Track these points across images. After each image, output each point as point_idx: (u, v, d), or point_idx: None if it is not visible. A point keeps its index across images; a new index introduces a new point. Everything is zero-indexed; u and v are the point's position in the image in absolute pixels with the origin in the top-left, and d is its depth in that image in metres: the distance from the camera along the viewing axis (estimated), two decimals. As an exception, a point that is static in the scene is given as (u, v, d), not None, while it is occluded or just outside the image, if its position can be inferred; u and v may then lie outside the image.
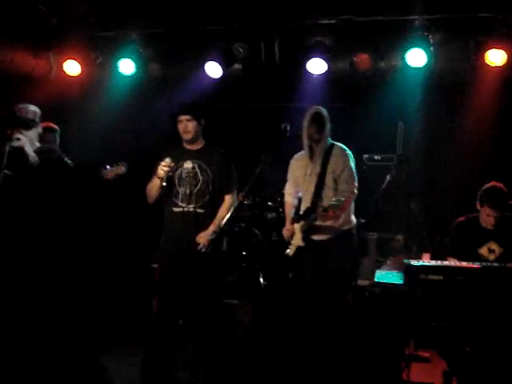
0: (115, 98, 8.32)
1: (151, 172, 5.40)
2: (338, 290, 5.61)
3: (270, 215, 8.01)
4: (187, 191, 5.31)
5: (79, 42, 7.77)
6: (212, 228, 5.25)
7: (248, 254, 7.66)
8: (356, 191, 5.59)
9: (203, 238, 5.20)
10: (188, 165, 5.36)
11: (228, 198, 5.40)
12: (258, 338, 6.17)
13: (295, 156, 5.87)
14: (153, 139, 8.21)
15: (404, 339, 5.18)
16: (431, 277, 4.81)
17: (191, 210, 5.27)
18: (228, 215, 4.98)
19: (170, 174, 5.25)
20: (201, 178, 5.32)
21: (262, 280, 7.45)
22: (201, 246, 5.18)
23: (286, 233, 5.70)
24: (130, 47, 7.77)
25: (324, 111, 5.65)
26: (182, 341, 5.57)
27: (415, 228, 7.39)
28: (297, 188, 5.80)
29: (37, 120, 5.61)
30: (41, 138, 6.77)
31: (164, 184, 5.22)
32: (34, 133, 5.57)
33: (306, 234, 5.52)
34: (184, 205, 5.29)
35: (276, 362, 5.56)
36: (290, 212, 5.83)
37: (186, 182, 5.32)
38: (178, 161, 5.31)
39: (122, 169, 5.64)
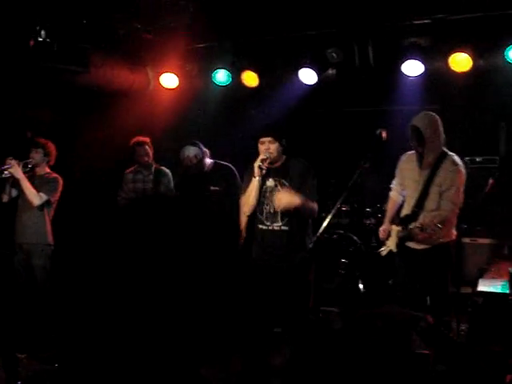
0: (212, 108, 8.45)
1: (246, 182, 5.44)
2: (434, 299, 5.47)
3: (368, 221, 7.88)
4: (271, 210, 5.31)
5: (175, 54, 7.89)
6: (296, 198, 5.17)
7: (347, 261, 7.58)
8: (458, 210, 5.35)
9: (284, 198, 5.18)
10: (270, 183, 5.35)
11: None
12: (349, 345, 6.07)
13: (407, 153, 5.63)
14: (249, 148, 8.27)
15: (510, 350, 4.96)
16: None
17: (276, 228, 5.28)
18: (324, 224, 4.94)
19: (265, 171, 5.25)
20: None
21: (361, 287, 7.36)
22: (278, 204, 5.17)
23: (381, 233, 5.64)
24: (224, 57, 7.86)
25: (423, 121, 5.33)
26: (278, 347, 5.57)
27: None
28: (402, 186, 5.68)
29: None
30: (135, 153, 7.10)
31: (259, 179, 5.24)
32: None
33: (401, 241, 5.40)
34: (269, 223, 5.32)
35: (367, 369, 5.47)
36: (391, 209, 5.76)
37: (270, 200, 5.31)
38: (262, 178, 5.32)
39: None
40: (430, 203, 5.29)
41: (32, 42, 5.90)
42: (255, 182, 5.27)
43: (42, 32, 5.89)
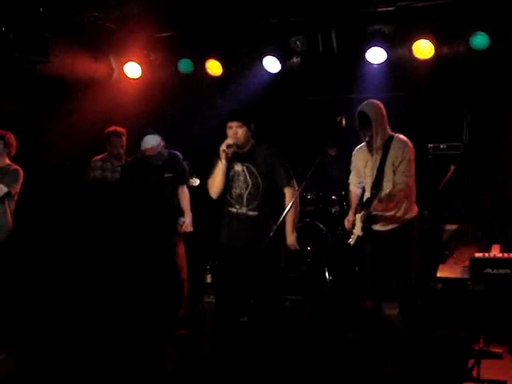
0: (176, 97, 8.38)
1: (211, 168, 5.40)
2: (400, 280, 5.56)
3: (333, 209, 7.91)
4: (238, 194, 5.32)
5: (138, 43, 7.81)
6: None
7: (313, 248, 7.58)
8: (413, 183, 5.53)
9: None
10: (238, 167, 5.34)
11: (287, 191, 5.32)
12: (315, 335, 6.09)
13: (357, 147, 5.83)
14: (214, 137, 8.21)
15: (472, 335, 5.00)
16: (497, 271, 4.63)
17: (243, 212, 5.28)
18: (286, 209, 4.90)
19: (230, 156, 5.23)
20: (250, 181, 5.29)
21: (327, 275, 7.37)
22: None
23: (347, 223, 5.75)
24: (188, 46, 7.80)
25: (369, 107, 5.49)
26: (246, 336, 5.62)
27: (484, 218, 7.12)
28: (360, 178, 5.83)
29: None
30: (110, 143, 7.06)
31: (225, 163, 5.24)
32: None
33: (365, 223, 5.50)
34: (238, 207, 5.33)
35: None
36: (353, 201, 5.88)
37: (237, 184, 5.32)
38: (229, 162, 5.30)
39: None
40: (387, 183, 5.43)
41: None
42: (221, 166, 5.25)
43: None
